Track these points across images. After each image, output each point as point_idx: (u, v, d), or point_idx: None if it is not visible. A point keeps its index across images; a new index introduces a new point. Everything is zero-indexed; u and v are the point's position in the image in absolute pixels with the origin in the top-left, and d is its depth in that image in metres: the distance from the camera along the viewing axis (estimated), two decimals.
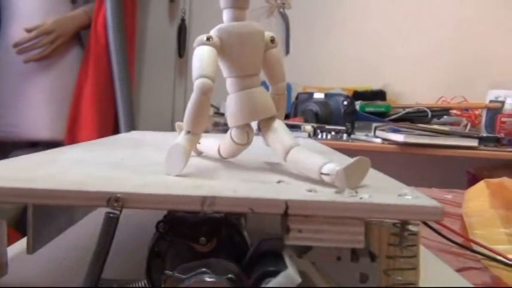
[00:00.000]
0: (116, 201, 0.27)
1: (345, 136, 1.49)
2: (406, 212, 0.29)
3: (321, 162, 0.35)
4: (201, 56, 0.37)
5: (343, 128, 1.50)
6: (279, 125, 0.40)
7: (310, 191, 0.31)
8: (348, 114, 1.58)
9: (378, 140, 1.49)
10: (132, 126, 1.44)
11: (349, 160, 0.33)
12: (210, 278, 0.27)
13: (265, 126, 0.40)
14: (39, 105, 1.37)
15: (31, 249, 0.31)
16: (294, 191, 0.31)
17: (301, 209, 0.29)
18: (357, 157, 0.34)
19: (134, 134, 0.70)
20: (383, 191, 0.33)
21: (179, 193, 0.28)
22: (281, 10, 1.87)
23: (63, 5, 1.45)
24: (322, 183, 0.34)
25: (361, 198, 0.30)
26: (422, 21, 1.94)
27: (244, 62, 0.39)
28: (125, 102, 1.44)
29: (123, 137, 0.67)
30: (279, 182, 0.34)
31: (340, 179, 0.32)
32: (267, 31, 0.42)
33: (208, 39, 0.38)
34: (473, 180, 1.66)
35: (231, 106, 0.40)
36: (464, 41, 1.94)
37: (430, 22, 1.94)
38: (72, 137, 1.39)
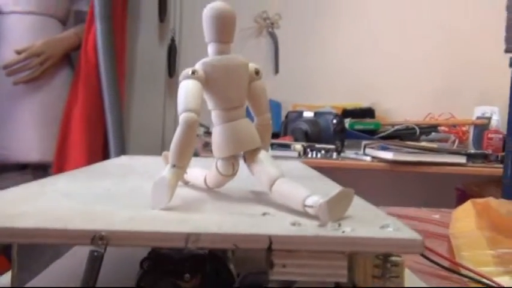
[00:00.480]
0: (100, 240, 0.27)
1: (334, 155, 1.50)
2: (387, 245, 0.30)
3: (305, 194, 0.35)
4: (186, 89, 0.38)
5: (333, 146, 1.52)
6: (264, 156, 0.41)
7: (294, 224, 0.32)
8: (337, 132, 1.60)
9: (368, 158, 1.50)
10: (122, 148, 1.44)
11: (334, 189, 0.34)
12: None
13: (250, 157, 0.41)
14: (28, 127, 1.37)
15: (16, 286, 0.31)
16: (278, 225, 0.32)
17: (285, 244, 0.29)
18: (340, 189, 0.34)
19: (123, 159, 0.70)
20: (365, 222, 0.34)
21: (163, 230, 0.28)
22: (270, 30, 1.89)
23: (53, 26, 1.46)
24: (306, 215, 0.35)
25: (343, 232, 0.31)
26: (409, 40, 1.98)
27: (229, 94, 0.40)
28: (115, 123, 1.44)
29: (112, 163, 0.67)
30: (264, 214, 0.35)
31: (323, 211, 0.33)
32: (251, 63, 0.43)
33: (193, 72, 0.38)
34: (462, 196, 1.68)
35: (216, 138, 0.40)
36: (450, 59, 1.97)
37: (416, 40, 1.97)
38: (61, 158, 1.38)
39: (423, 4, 1.97)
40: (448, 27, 1.97)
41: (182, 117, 0.36)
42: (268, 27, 1.88)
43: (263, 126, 0.44)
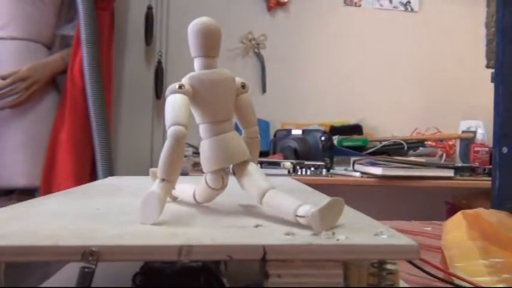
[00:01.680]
0: (90, 255, 0.26)
1: (324, 171, 1.51)
2: (383, 251, 0.30)
3: (296, 204, 0.35)
4: (174, 104, 0.38)
5: (322, 163, 1.52)
6: (253, 168, 0.40)
7: (287, 234, 0.31)
8: (326, 149, 1.61)
9: (357, 174, 1.51)
10: (110, 171, 1.42)
11: (324, 200, 0.34)
12: None
13: (239, 170, 0.40)
14: (14, 151, 1.35)
15: None
16: (272, 235, 0.31)
17: (279, 254, 0.29)
18: (331, 198, 0.34)
19: (111, 180, 0.69)
20: (359, 230, 0.34)
21: (155, 243, 0.28)
22: (256, 50, 1.91)
23: (39, 51, 1.46)
24: (298, 225, 0.34)
25: (338, 239, 0.30)
26: (395, 57, 2.01)
27: (216, 108, 0.40)
28: (102, 147, 1.43)
29: (100, 183, 0.66)
30: (256, 226, 0.34)
31: (315, 220, 0.33)
32: (238, 77, 0.43)
33: (180, 87, 0.38)
34: (452, 209, 1.69)
35: (205, 152, 0.40)
36: (434, 75, 2.01)
37: (402, 57, 2.01)
38: (48, 183, 1.36)
39: (409, 24, 2.02)
40: (432, 45, 2.02)
41: (170, 130, 0.36)
42: (254, 48, 1.90)
43: (251, 139, 0.44)
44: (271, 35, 1.94)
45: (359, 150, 1.71)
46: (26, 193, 1.36)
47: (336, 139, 1.70)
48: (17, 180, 1.34)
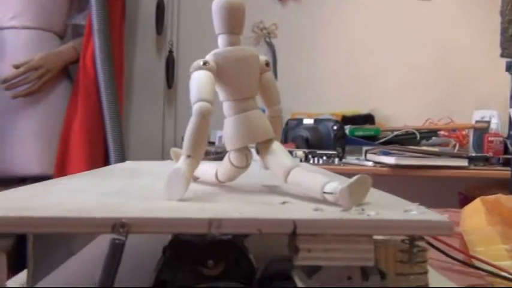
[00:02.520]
0: (121, 227, 0.26)
1: (336, 160, 1.50)
2: (415, 227, 0.29)
3: (323, 181, 0.35)
4: (199, 80, 0.37)
5: (335, 152, 1.51)
6: (277, 146, 0.40)
7: (316, 210, 0.31)
8: (338, 138, 1.60)
9: (370, 163, 1.50)
10: (122, 159, 1.43)
11: (347, 179, 0.33)
12: None
13: (263, 148, 0.40)
14: (27, 140, 1.36)
15: (31, 281, 0.30)
16: (300, 211, 0.31)
17: (310, 228, 0.28)
18: (359, 175, 0.34)
19: (129, 164, 0.69)
20: (388, 207, 0.33)
21: (185, 216, 0.28)
22: (267, 39, 1.90)
23: (51, 40, 1.46)
24: (325, 202, 0.34)
25: (368, 215, 0.30)
26: (407, 45, 1.99)
27: (240, 85, 0.39)
28: (115, 135, 1.43)
29: (118, 167, 0.66)
30: (283, 202, 0.34)
31: (344, 197, 0.32)
32: (261, 55, 0.43)
33: (204, 63, 0.38)
34: (464, 200, 1.67)
35: (229, 129, 0.40)
36: (447, 64, 1.98)
37: (414, 46, 1.99)
38: (61, 171, 1.37)
39: (421, 12, 1.99)
40: (445, 33, 1.99)
41: (196, 107, 0.36)
42: (266, 37, 1.89)
43: (274, 117, 0.43)
44: (282, 24, 1.92)
45: (371, 139, 1.70)
46: (39, 181, 1.37)
47: (347, 129, 1.69)
48: (31, 168, 1.35)
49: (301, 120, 1.67)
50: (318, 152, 1.50)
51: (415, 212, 0.31)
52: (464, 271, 0.55)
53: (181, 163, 0.35)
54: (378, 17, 2.00)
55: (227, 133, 0.40)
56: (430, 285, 0.33)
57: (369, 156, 1.54)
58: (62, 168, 1.38)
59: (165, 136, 1.84)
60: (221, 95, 0.40)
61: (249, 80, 0.40)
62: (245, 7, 0.40)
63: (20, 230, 0.26)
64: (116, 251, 0.26)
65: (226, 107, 0.40)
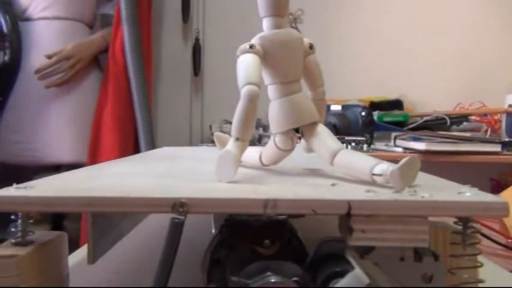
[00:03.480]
0: (180, 207, 0.27)
1: (365, 147, 1.48)
2: (471, 208, 0.29)
3: (372, 163, 0.35)
4: (246, 63, 0.37)
5: (363, 138, 1.50)
6: (322, 129, 0.40)
7: (368, 191, 0.31)
8: (366, 124, 1.58)
9: (399, 149, 1.48)
10: (152, 146, 1.45)
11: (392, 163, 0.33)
12: (276, 280, 0.27)
13: (308, 131, 0.40)
14: (61, 129, 1.39)
15: (92, 259, 0.31)
16: (353, 192, 0.31)
17: (364, 209, 0.29)
18: (408, 157, 0.34)
19: (165, 150, 0.70)
20: (440, 189, 0.33)
21: (242, 196, 0.28)
22: (293, 25, 1.88)
23: (81, 30, 1.48)
24: (374, 184, 0.34)
25: (422, 196, 0.30)
26: (436, 29, 1.94)
27: (286, 68, 0.39)
28: (144, 123, 1.45)
29: (158, 152, 0.67)
30: (333, 184, 0.34)
31: (395, 178, 0.32)
32: (305, 38, 0.43)
33: (251, 47, 0.38)
34: (497, 186, 1.63)
35: (274, 113, 0.40)
36: (478, 46, 1.93)
37: (443, 29, 1.94)
38: (94, 158, 1.40)
39: None
40: (477, 13, 1.93)
41: (244, 90, 0.36)
42: (292, 22, 1.87)
43: (319, 100, 0.43)
44: (308, 9, 1.90)
45: (400, 125, 1.68)
46: (73, 168, 1.40)
47: (375, 114, 1.67)
48: (65, 156, 1.39)
49: (328, 106, 1.66)
50: (346, 138, 1.49)
51: (469, 194, 0.31)
52: (506, 255, 0.55)
53: (231, 146, 0.36)
54: (407, 1, 1.96)
55: (272, 116, 0.40)
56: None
57: (398, 142, 1.51)
58: (94, 156, 1.41)
59: (192, 123, 1.86)
60: (266, 79, 0.40)
61: (294, 63, 0.40)
62: None
63: (85, 209, 0.27)
64: (176, 230, 0.27)
65: (272, 90, 0.40)
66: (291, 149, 0.40)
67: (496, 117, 1.77)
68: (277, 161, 0.42)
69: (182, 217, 0.27)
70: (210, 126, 1.71)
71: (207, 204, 0.28)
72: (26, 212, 0.28)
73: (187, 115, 1.86)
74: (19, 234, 0.29)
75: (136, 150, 1.47)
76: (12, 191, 0.28)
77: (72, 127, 1.40)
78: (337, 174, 0.38)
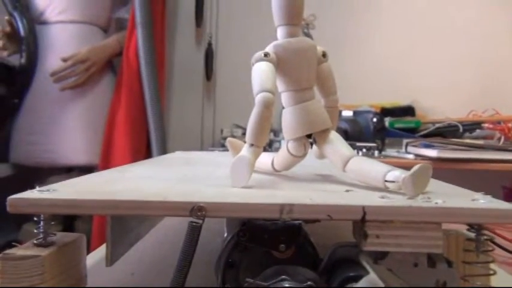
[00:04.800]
0: (199, 211, 0.27)
1: (376, 153, 1.48)
2: (485, 215, 0.29)
3: (385, 170, 0.35)
4: (260, 71, 0.38)
5: (374, 144, 1.49)
6: (334, 136, 0.41)
7: (383, 197, 0.31)
8: (377, 130, 1.57)
9: (410, 156, 1.47)
10: (164, 149, 1.46)
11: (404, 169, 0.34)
12: (291, 285, 0.27)
13: (321, 138, 0.41)
14: (74, 131, 1.41)
15: (109, 261, 0.32)
16: (367, 198, 0.31)
17: (379, 215, 0.29)
18: (420, 164, 0.34)
19: (179, 154, 0.71)
20: (453, 196, 0.33)
21: (258, 202, 0.29)
22: (305, 30, 1.89)
23: (96, 34, 1.51)
24: (387, 190, 0.34)
25: (436, 203, 0.30)
26: (448, 35, 1.94)
27: (299, 76, 0.40)
28: (156, 126, 1.47)
29: (171, 156, 0.68)
30: (347, 191, 0.34)
31: (407, 185, 0.32)
32: (319, 46, 0.43)
33: (265, 55, 0.39)
34: (509, 194, 1.62)
35: (287, 119, 0.40)
36: (492, 53, 1.92)
37: (456, 35, 1.93)
38: (106, 161, 1.42)
39: (463, 1, 1.93)
40: (490, 20, 1.92)
41: (259, 97, 0.36)
42: (304, 28, 1.88)
43: (331, 108, 0.44)
44: (320, 15, 1.90)
45: (411, 132, 1.67)
46: (85, 171, 1.42)
47: (387, 121, 1.66)
48: (78, 157, 1.41)
49: (339, 112, 1.66)
50: (358, 144, 1.49)
51: (483, 201, 0.31)
52: None
53: (245, 151, 0.36)
54: (419, 6, 1.96)
55: (286, 123, 0.40)
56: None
57: (409, 148, 1.51)
58: (106, 158, 1.43)
59: (204, 127, 1.87)
60: (280, 86, 0.41)
61: (307, 71, 0.40)
62: None
63: (104, 212, 0.28)
64: (194, 233, 0.27)
65: (285, 97, 0.40)
66: (304, 155, 0.41)
67: (509, 124, 1.75)
68: (289, 166, 0.43)
69: (200, 221, 0.28)
70: (221, 131, 1.72)
71: (225, 208, 0.28)
72: (50, 214, 0.29)
73: (199, 119, 1.88)
74: (41, 235, 0.30)
75: (148, 153, 1.48)
76: (36, 193, 0.29)
77: (86, 129, 1.42)
78: (349, 181, 0.39)
